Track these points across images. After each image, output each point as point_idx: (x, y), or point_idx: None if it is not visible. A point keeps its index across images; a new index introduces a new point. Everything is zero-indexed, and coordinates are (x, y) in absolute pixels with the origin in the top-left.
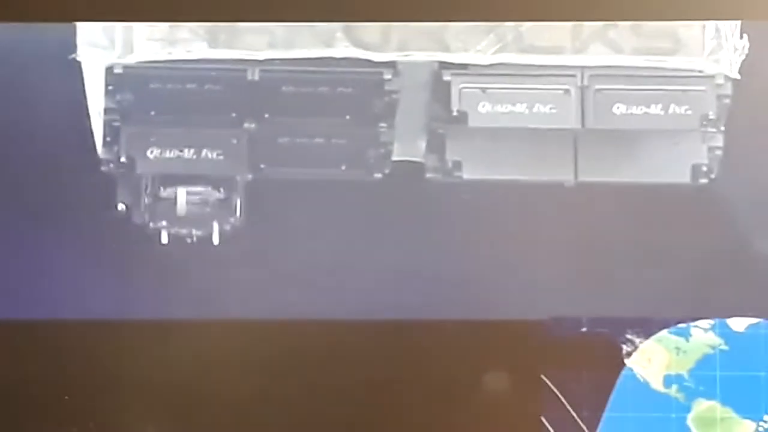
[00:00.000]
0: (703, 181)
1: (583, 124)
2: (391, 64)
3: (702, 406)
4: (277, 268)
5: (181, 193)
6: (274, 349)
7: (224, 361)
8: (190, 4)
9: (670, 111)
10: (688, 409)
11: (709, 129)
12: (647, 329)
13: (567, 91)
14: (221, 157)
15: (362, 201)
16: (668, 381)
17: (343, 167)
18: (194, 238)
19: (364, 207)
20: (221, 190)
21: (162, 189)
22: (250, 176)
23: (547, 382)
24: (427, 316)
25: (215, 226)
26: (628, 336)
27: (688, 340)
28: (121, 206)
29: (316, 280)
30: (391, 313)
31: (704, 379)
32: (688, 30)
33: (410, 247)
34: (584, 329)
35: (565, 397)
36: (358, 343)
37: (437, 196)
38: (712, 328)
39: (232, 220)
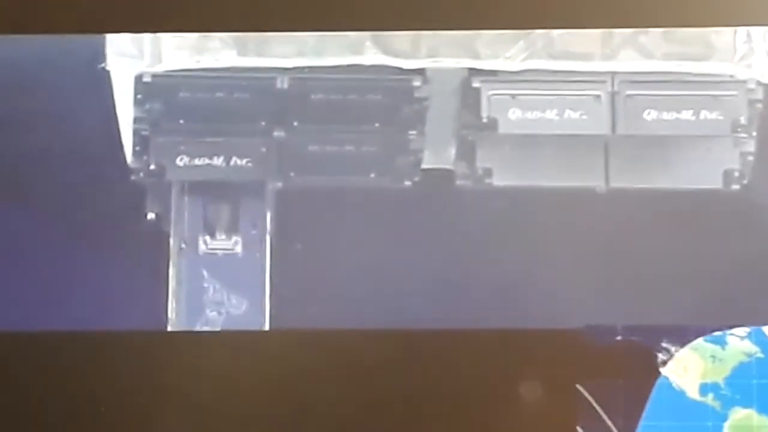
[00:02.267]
0: (736, 186)
1: (613, 130)
2: (421, 72)
3: (738, 414)
4: (306, 276)
5: (211, 202)
6: (301, 358)
7: (253, 371)
8: (219, 15)
9: (702, 116)
10: (724, 418)
11: (741, 134)
12: (682, 337)
13: (597, 97)
14: (250, 165)
15: (392, 209)
16: (704, 389)
17: (373, 175)
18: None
19: (394, 215)
20: (251, 198)
21: (191, 198)
22: (279, 184)
23: (583, 391)
24: (460, 326)
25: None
26: (664, 344)
27: (724, 348)
28: (150, 215)
29: (346, 289)
30: (422, 322)
31: (740, 387)
32: (720, 35)
33: (441, 256)
34: (619, 338)
35: (600, 407)
36: (388, 353)
37: (467, 203)
38: (748, 335)
39: (261, 228)
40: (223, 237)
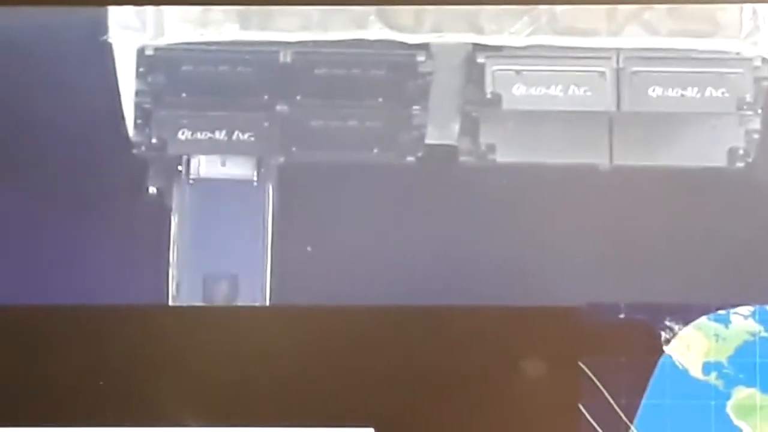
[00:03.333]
0: (740, 164)
1: (618, 107)
2: (425, 46)
3: (742, 393)
4: (308, 252)
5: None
6: (303, 334)
7: (253, 346)
8: None
9: (707, 94)
10: (727, 397)
11: (747, 112)
12: (686, 316)
13: (602, 73)
14: (252, 139)
15: (395, 184)
16: (707, 368)
17: (376, 150)
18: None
19: (397, 190)
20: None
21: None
22: (281, 159)
23: (585, 369)
24: (462, 302)
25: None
26: (667, 323)
27: (727, 327)
28: (152, 189)
29: (348, 265)
30: (424, 298)
31: (744, 366)
32: (725, 12)
33: (444, 232)
34: (622, 315)
35: (602, 385)
36: (390, 329)
37: (471, 179)
38: (752, 314)
39: (263, 201)
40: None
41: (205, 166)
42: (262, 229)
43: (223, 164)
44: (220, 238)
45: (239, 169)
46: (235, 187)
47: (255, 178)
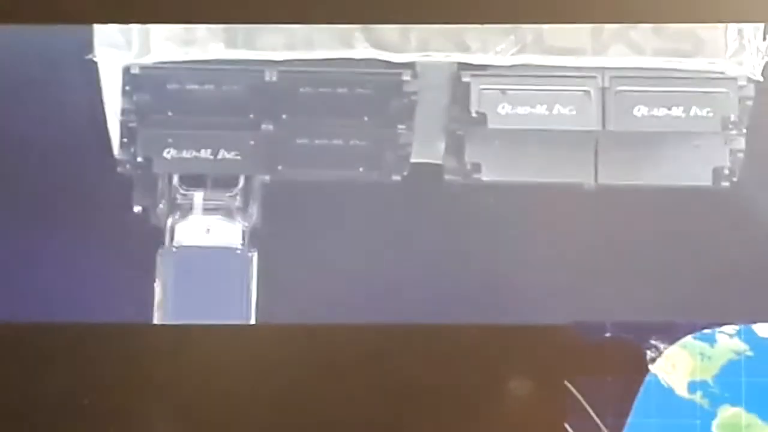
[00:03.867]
0: (725, 184)
1: (603, 126)
2: (410, 65)
3: (727, 412)
4: (293, 271)
5: (198, 196)
6: (289, 353)
7: (238, 365)
8: (208, 6)
9: (692, 113)
10: (713, 416)
11: (731, 131)
12: (672, 335)
13: (587, 92)
14: (238, 158)
15: (380, 203)
16: (693, 387)
17: (361, 169)
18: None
19: (382, 209)
20: (238, 191)
21: (179, 191)
22: (267, 177)
23: (571, 388)
24: (448, 321)
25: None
26: (653, 341)
27: (713, 346)
28: (137, 208)
29: (333, 284)
30: (410, 317)
31: (729, 385)
32: (710, 31)
33: (429, 250)
34: (608, 334)
35: (588, 403)
36: (376, 348)
37: (456, 198)
38: (738, 333)
39: (248, 221)
40: (210, 231)
41: (189, 234)
42: (246, 297)
43: (208, 231)
44: (203, 306)
45: (224, 237)
46: (219, 255)
47: (239, 246)
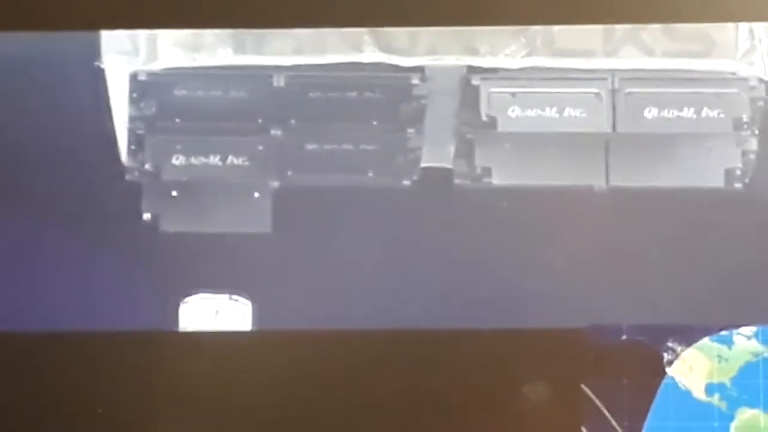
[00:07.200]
0: (737, 185)
1: (614, 128)
2: (419, 69)
3: (745, 414)
4: (303, 276)
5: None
6: (298, 359)
7: (239, 371)
8: (216, 12)
9: (703, 114)
10: (731, 418)
11: (743, 132)
12: (688, 337)
13: (598, 94)
14: (247, 164)
15: (390, 208)
16: (710, 389)
17: (371, 174)
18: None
19: (392, 214)
20: (248, 196)
21: (188, 197)
22: (276, 183)
23: (587, 391)
24: (461, 325)
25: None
26: (669, 344)
27: (730, 348)
28: (146, 215)
29: (345, 289)
30: (422, 322)
31: (747, 387)
32: (721, 32)
33: (440, 254)
34: (624, 337)
35: (605, 407)
36: (390, 353)
37: (467, 202)
38: (755, 335)
39: (258, 226)
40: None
41: (196, 317)
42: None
43: (217, 313)
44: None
45: (232, 319)
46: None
47: (249, 329)
